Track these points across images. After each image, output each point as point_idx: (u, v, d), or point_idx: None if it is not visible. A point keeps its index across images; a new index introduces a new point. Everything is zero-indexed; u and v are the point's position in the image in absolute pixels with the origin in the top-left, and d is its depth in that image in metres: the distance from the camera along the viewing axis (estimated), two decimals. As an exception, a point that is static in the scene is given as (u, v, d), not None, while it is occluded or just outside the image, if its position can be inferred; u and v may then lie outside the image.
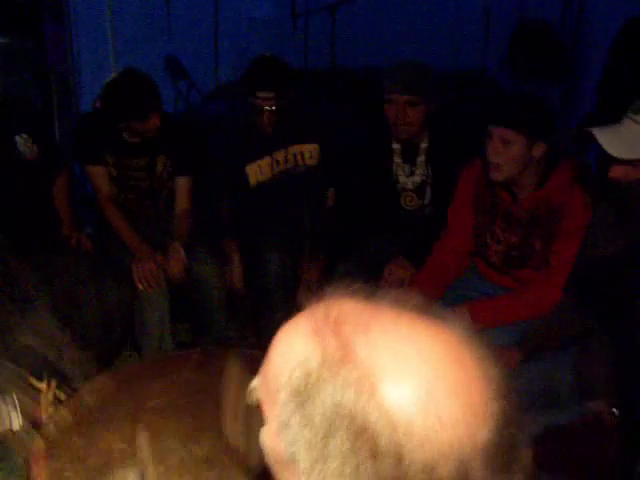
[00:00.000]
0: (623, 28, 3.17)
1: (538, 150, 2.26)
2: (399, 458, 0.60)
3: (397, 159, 2.84)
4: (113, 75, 2.85)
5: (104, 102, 2.77)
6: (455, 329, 0.70)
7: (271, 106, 2.78)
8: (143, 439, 1.80)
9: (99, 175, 2.92)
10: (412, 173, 2.84)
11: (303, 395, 0.64)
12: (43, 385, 2.05)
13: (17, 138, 2.67)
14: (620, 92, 3.03)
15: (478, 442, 0.62)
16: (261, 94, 2.76)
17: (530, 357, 2.21)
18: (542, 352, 2.23)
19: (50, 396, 2.06)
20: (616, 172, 1.91)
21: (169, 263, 2.83)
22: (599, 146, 1.91)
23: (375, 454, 0.60)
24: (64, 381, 2.33)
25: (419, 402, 0.61)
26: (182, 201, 3.01)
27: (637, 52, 2.97)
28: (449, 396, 0.62)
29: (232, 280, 2.98)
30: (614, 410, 1.95)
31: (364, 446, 0.60)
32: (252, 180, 2.99)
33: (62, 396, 2.08)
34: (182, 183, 3.00)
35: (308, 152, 3.02)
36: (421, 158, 2.80)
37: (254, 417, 0.74)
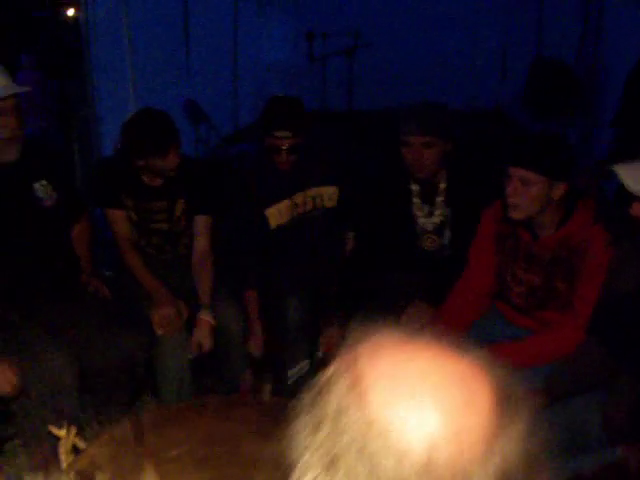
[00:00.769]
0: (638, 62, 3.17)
1: (558, 190, 2.24)
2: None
3: (416, 200, 2.83)
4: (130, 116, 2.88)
5: (123, 141, 2.79)
6: (471, 358, 0.74)
7: (288, 145, 2.79)
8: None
9: (119, 219, 2.93)
10: (431, 214, 2.82)
11: (320, 391, 0.75)
12: (63, 432, 2.03)
13: (36, 185, 2.68)
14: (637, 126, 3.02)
15: (479, 473, 0.67)
16: (277, 133, 2.78)
17: (556, 401, 2.17)
18: (569, 397, 2.18)
19: (69, 444, 2.03)
20: (637, 210, 1.89)
21: (197, 334, 2.81)
22: (619, 183, 1.89)
23: (350, 447, 0.68)
24: (83, 428, 2.32)
25: (403, 414, 0.67)
26: (201, 241, 2.99)
27: None
28: (443, 413, 0.67)
29: (251, 345, 2.95)
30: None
31: (343, 439, 0.69)
32: (272, 223, 2.99)
33: (81, 444, 2.06)
34: (201, 222, 3.00)
35: (327, 195, 3.02)
36: (440, 198, 2.79)
37: None
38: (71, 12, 4.63)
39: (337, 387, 0.73)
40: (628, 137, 3.17)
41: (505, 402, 0.71)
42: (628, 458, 1.92)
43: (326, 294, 3.00)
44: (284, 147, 2.80)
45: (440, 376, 0.70)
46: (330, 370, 0.76)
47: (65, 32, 4.58)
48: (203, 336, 2.81)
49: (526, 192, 2.23)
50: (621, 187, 1.93)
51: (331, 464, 0.70)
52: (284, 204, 2.99)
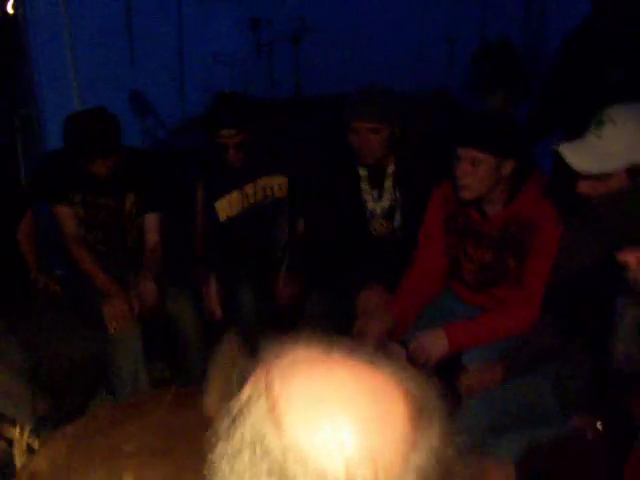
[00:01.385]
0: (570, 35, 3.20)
1: (507, 168, 2.26)
2: None
3: (364, 185, 2.83)
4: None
5: (64, 137, 2.75)
6: (385, 371, 0.75)
7: (235, 142, 2.78)
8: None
9: (65, 215, 2.87)
10: (380, 198, 2.83)
11: (237, 417, 0.75)
12: (16, 431, 1.99)
13: None
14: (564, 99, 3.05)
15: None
16: (224, 132, 2.76)
17: (511, 375, 2.20)
18: (523, 370, 2.21)
19: (23, 445, 2.00)
20: (583, 187, 1.92)
21: (140, 295, 2.79)
22: (557, 159, 1.92)
23: (271, 474, 0.69)
24: (37, 428, 2.27)
25: (320, 437, 0.68)
26: (152, 237, 2.98)
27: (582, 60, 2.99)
28: (359, 432, 0.68)
29: (209, 304, 2.91)
30: (597, 424, 1.93)
31: (263, 466, 0.69)
32: (222, 215, 2.98)
33: (35, 444, 2.02)
34: (152, 220, 2.98)
35: (277, 184, 3.02)
36: (388, 182, 2.80)
37: None
38: (10, 6, 4.50)
39: (253, 412, 0.73)
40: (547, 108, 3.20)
41: (420, 415, 0.72)
42: (583, 428, 1.95)
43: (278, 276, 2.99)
44: (231, 145, 2.79)
45: (354, 394, 0.71)
46: (245, 393, 0.76)
47: (4, 27, 4.46)
48: (146, 290, 2.80)
49: (475, 172, 2.25)
50: (559, 163, 1.96)
51: None
52: (234, 195, 2.97)
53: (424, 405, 0.73)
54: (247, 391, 0.76)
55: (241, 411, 0.74)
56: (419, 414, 0.72)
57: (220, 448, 0.75)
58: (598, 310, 1.93)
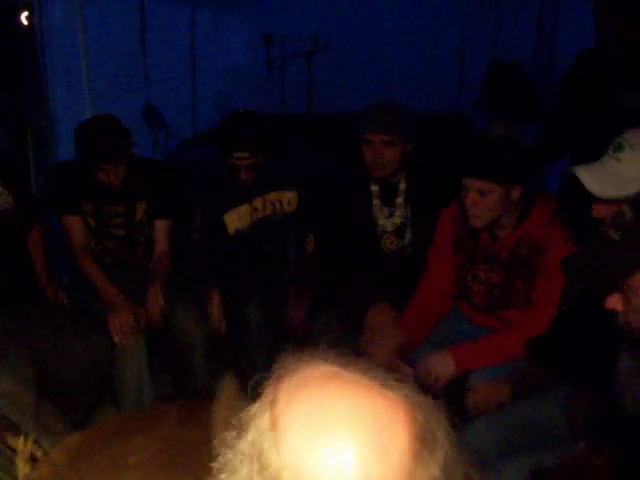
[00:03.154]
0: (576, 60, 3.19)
1: (515, 193, 2.26)
2: None
3: (375, 201, 2.83)
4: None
5: (75, 146, 2.77)
6: (393, 395, 0.75)
7: (247, 164, 2.80)
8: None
9: (75, 225, 2.88)
10: (391, 215, 2.83)
11: (241, 430, 0.76)
12: (20, 442, 1.98)
13: None
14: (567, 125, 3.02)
15: None
16: (237, 154, 2.78)
17: (520, 395, 2.18)
18: (532, 391, 2.20)
19: (27, 454, 1.99)
20: (598, 211, 1.91)
21: (147, 306, 2.79)
22: (564, 176, 1.91)
23: None
24: (41, 437, 2.26)
25: (317, 458, 0.68)
26: (161, 244, 2.98)
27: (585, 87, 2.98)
28: (357, 458, 0.68)
29: (213, 319, 2.93)
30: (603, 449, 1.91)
31: None
32: (230, 228, 2.98)
33: (39, 453, 2.01)
34: (161, 226, 2.98)
35: (286, 199, 3.02)
36: (400, 199, 2.80)
37: None
38: (24, 17, 4.54)
39: (256, 427, 0.74)
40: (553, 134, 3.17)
41: (424, 444, 0.72)
42: (589, 452, 1.93)
43: (286, 297, 2.98)
44: (243, 166, 2.81)
45: (358, 417, 0.71)
46: (252, 407, 0.77)
47: (18, 39, 4.50)
48: (153, 302, 2.81)
49: (484, 201, 2.25)
50: (570, 185, 1.95)
51: None
52: (243, 209, 2.97)
53: (430, 435, 0.73)
54: (255, 405, 0.77)
55: (246, 424, 0.75)
56: (422, 445, 0.72)
57: (222, 458, 0.77)
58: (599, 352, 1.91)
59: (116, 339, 2.69)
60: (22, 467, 1.95)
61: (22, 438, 1.99)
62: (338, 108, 4.94)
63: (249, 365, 2.84)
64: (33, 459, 1.98)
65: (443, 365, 2.34)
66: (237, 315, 2.92)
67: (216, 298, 2.93)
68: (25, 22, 4.31)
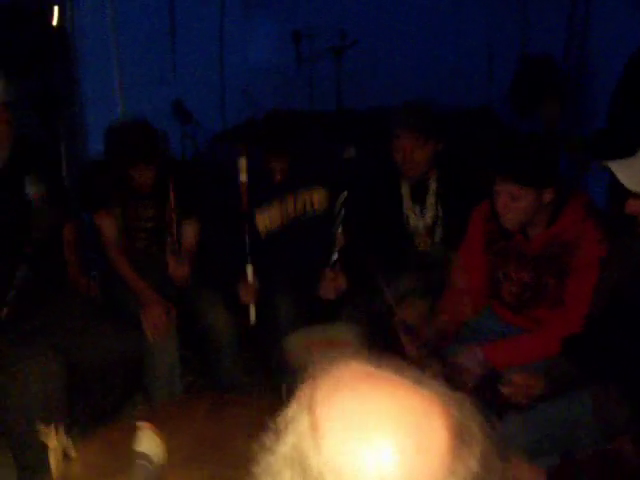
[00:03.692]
0: (631, 59, 3.16)
1: (547, 196, 2.24)
2: None
3: (407, 201, 2.83)
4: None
5: (106, 149, 2.79)
6: (429, 392, 0.75)
7: (282, 167, 2.82)
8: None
9: (106, 223, 2.91)
10: (423, 214, 2.82)
11: (281, 432, 0.76)
12: (51, 437, 2.00)
13: (26, 178, 2.67)
14: (630, 125, 3.01)
15: None
16: (274, 157, 2.80)
17: (552, 391, 2.16)
18: (563, 390, 2.17)
19: (59, 450, 2.01)
20: (631, 206, 1.88)
21: (173, 267, 2.87)
22: (614, 178, 1.88)
23: None
24: (72, 431, 2.29)
25: (357, 458, 0.69)
26: (189, 244, 3.01)
27: None
28: (396, 456, 0.69)
29: (244, 294, 2.91)
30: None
31: None
32: (261, 228, 2.98)
33: (71, 449, 2.03)
34: (189, 227, 3.01)
35: (317, 198, 3.02)
36: (431, 199, 2.79)
37: None
38: (56, 13, 4.59)
39: (296, 429, 0.74)
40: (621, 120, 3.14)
41: (462, 439, 0.72)
42: (621, 449, 1.91)
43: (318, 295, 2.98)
44: (278, 169, 2.84)
45: (396, 415, 0.72)
46: (291, 409, 0.77)
47: (51, 32, 4.54)
48: (179, 264, 2.88)
49: (516, 205, 2.23)
50: (618, 182, 1.92)
51: None
52: (274, 209, 2.97)
53: (466, 430, 0.73)
54: (292, 407, 0.77)
55: (285, 427, 0.76)
56: (460, 440, 0.72)
57: (264, 463, 0.77)
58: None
59: (149, 333, 2.71)
60: (55, 463, 1.97)
61: (54, 433, 2.01)
62: (367, 104, 4.94)
63: (280, 362, 2.85)
64: (65, 454, 2.01)
65: (474, 362, 2.33)
66: (268, 312, 2.93)
67: (250, 274, 2.91)
68: (56, 15, 4.36)
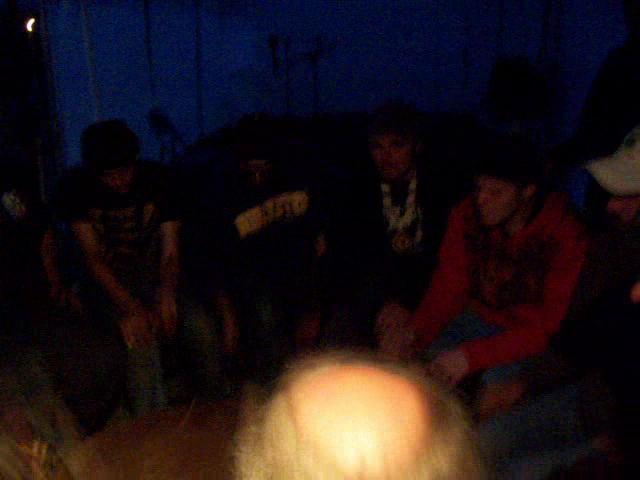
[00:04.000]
0: (607, 59, 3.20)
1: (527, 192, 2.25)
2: None
3: (386, 201, 2.83)
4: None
5: (82, 152, 2.77)
6: (405, 377, 0.76)
7: (263, 169, 2.79)
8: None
9: (85, 231, 2.88)
10: (402, 214, 2.83)
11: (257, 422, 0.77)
12: (34, 451, 1.98)
13: (4, 197, 2.64)
14: (605, 124, 3.05)
15: None
16: (253, 161, 2.77)
17: (531, 393, 2.17)
18: (544, 390, 2.19)
19: (42, 461, 1.99)
20: (614, 206, 1.90)
21: (160, 312, 2.80)
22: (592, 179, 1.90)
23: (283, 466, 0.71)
24: (56, 443, 2.27)
25: (333, 430, 0.70)
26: (169, 247, 2.98)
27: (622, 82, 2.99)
28: (372, 427, 0.69)
29: (226, 344, 2.93)
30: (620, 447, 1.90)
31: (276, 456, 0.72)
32: (242, 232, 2.97)
33: (54, 461, 2.01)
34: (168, 228, 2.98)
35: (297, 201, 3.01)
36: (410, 198, 2.80)
37: None
38: (30, 25, 4.56)
39: (274, 409, 0.75)
40: (593, 126, 3.19)
41: (436, 416, 0.73)
42: (606, 450, 1.92)
43: (298, 298, 2.99)
44: (258, 172, 2.80)
45: (371, 394, 0.73)
46: (270, 404, 0.78)
47: (24, 45, 4.52)
48: (165, 307, 2.80)
49: (497, 200, 2.24)
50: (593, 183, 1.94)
51: None
52: (254, 212, 2.97)
53: (443, 409, 0.74)
54: (271, 401, 0.78)
55: (262, 414, 0.77)
56: (437, 417, 0.73)
57: (245, 447, 0.78)
58: (616, 332, 1.90)
59: (129, 344, 2.69)
60: (38, 473, 1.95)
61: (37, 444, 1.99)
62: (344, 109, 4.95)
63: (261, 367, 2.84)
64: (49, 465, 1.99)
65: (456, 363, 2.33)
66: (249, 317, 2.92)
67: (229, 317, 2.92)
68: (30, 29, 4.33)
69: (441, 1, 5.61)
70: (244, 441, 0.78)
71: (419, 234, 2.83)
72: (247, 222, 2.95)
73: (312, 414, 0.72)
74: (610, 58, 3.12)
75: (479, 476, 0.74)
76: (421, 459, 0.69)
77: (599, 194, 1.91)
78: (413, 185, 2.78)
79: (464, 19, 5.67)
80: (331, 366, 0.78)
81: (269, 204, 2.97)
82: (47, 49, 4.37)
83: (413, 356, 2.48)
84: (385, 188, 2.82)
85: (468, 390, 2.30)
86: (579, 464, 1.88)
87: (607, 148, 1.87)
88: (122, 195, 2.84)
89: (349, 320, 2.79)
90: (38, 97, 4.49)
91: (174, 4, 5.26)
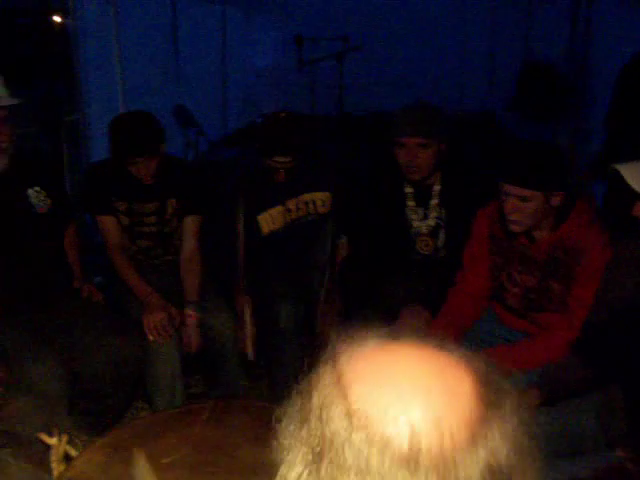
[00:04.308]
0: (629, 63, 3.17)
1: (556, 199, 2.23)
2: None
3: (410, 203, 2.81)
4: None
5: (109, 141, 2.79)
6: (454, 353, 0.74)
7: (287, 167, 2.80)
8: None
9: (109, 225, 2.90)
10: (426, 217, 2.81)
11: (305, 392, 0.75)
12: (54, 440, 2.00)
13: (30, 191, 2.67)
14: (630, 127, 3.02)
15: (464, 463, 0.66)
16: (277, 159, 2.77)
17: (551, 400, 2.15)
18: (564, 397, 2.17)
19: (61, 452, 2.00)
20: (638, 210, 1.88)
21: (186, 332, 2.82)
22: (609, 184, 1.88)
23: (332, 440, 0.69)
24: (74, 436, 2.28)
25: (384, 404, 0.68)
26: (190, 241, 2.98)
27: None
28: (424, 401, 0.67)
29: (244, 345, 2.94)
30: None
31: (327, 432, 0.69)
32: (264, 229, 2.97)
33: (73, 452, 2.03)
34: (190, 222, 2.99)
35: (320, 200, 3.01)
36: (434, 201, 2.78)
37: None
38: (58, 18, 4.60)
39: (321, 383, 0.73)
40: (621, 134, 3.16)
41: (489, 393, 0.71)
42: (626, 460, 1.91)
43: (319, 295, 2.98)
44: (283, 170, 2.80)
45: (421, 367, 0.71)
46: (316, 369, 0.76)
47: (52, 38, 4.55)
48: (190, 333, 2.81)
49: (525, 208, 2.22)
50: (614, 188, 1.91)
51: (316, 458, 0.71)
52: (277, 210, 2.97)
53: (498, 389, 0.72)
54: (317, 369, 0.77)
55: (310, 384, 0.76)
56: (488, 392, 0.71)
57: (287, 420, 0.76)
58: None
59: (150, 338, 2.70)
60: (56, 465, 1.96)
61: (56, 436, 2.01)
62: (369, 109, 4.94)
63: (281, 360, 2.84)
64: (67, 457, 2.00)
65: None
66: (267, 315, 2.92)
67: (248, 318, 2.93)
68: (58, 20, 4.37)
69: (468, 2, 5.58)
70: (288, 415, 0.77)
71: (442, 237, 2.81)
72: (270, 219, 2.96)
73: (363, 389, 0.70)
74: (632, 61, 3.08)
75: (533, 460, 0.72)
76: (477, 438, 0.67)
77: (623, 198, 1.89)
78: (437, 188, 2.76)
79: (491, 20, 5.63)
80: (381, 341, 0.76)
81: (292, 203, 2.97)
82: (75, 42, 4.40)
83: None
84: (409, 190, 2.80)
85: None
86: (598, 473, 1.87)
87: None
88: (146, 189, 2.86)
89: (370, 322, 2.78)
90: (64, 90, 4.53)
91: (201, 0, 5.28)
